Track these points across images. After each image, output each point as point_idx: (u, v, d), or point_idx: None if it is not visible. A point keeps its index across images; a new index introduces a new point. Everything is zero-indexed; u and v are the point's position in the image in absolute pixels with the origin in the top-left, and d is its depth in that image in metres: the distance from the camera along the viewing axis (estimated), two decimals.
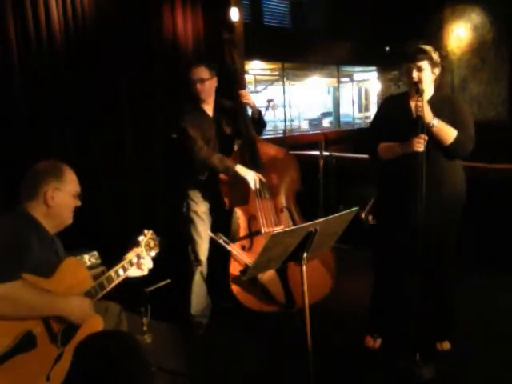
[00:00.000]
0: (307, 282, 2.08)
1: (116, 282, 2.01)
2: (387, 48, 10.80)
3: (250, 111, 3.15)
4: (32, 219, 1.86)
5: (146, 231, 2.17)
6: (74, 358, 1.81)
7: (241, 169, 2.94)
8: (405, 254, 2.62)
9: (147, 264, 2.12)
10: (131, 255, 2.08)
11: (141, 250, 2.12)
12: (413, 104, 2.57)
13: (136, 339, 2.06)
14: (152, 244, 2.18)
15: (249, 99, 3.09)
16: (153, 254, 2.18)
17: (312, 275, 2.33)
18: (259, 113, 3.18)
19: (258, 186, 2.97)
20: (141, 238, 2.14)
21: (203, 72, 3.03)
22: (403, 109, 2.61)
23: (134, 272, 2.09)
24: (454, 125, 2.50)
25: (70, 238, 2.15)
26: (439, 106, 2.53)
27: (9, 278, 1.61)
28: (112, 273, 1.99)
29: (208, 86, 3.06)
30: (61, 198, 1.90)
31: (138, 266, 2.10)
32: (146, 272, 2.12)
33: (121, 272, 2.03)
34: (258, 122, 3.18)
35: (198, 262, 3.13)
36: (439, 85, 2.62)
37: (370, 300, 2.89)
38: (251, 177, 2.93)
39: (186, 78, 3.07)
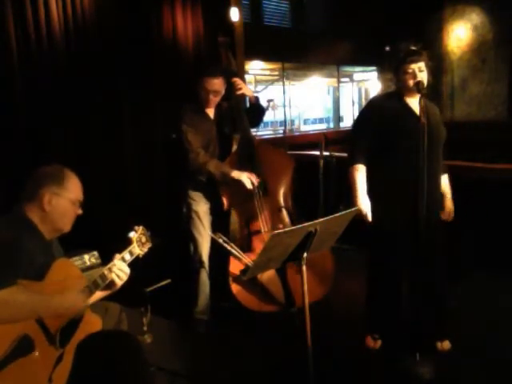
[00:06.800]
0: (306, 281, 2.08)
1: (109, 280, 1.99)
2: (387, 48, 10.80)
3: (247, 102, 3.19)
4: (28, 222, 1.84)
5: (136, 227, 2.15)
6: (74, 359, 1.80)
7: (236, 173, 2.97)
8: (403, 254, 2.62)
9: (123, 271, 2.01)
10: (124, 252, 2.07)
11: (133, 246, 2.10)
12: (411, 105, 2.60)
13: (136, 339, 2.05)
14: (144, 239, 2.16)
15: (242, 89, 3.11)
16: (145, 249, 2.16)
17: (311, 275, 2.33)
18: (256, 98, 3.20)
19: (255, 184, 2.99)
20: (132, 235, 2.11)
21: (220, 85, 3.05)
22: (402, 107, 2.61)
23: (116, 279, 2.02)
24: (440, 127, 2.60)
25: (70, 238, 2.15)
26: (433, 110, 2.60)
27: (4, 284, 1.59)
28: (105, 270, 1.98)
29: (220, 97, 3.08)
30: (59, 203, 1.87)
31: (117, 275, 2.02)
32: (125, 278, 2.02)
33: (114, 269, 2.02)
34: (257, 108, 3.20)
35: (201, 263, 3.14)
36: (437, 85, 2.67)
37: (367, 300, 2.88)
38: (245, 178, 2.96)
39: (194, 80, 3.07)
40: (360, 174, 2.67)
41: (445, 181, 2.80)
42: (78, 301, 1.82)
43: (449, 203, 2.79)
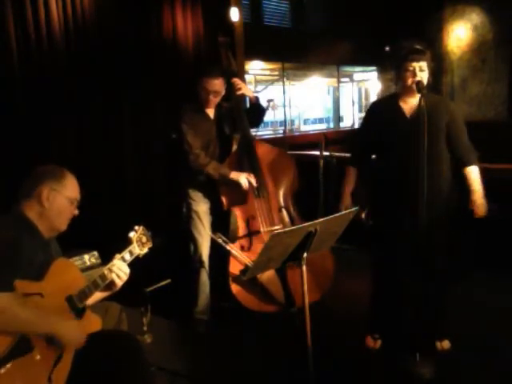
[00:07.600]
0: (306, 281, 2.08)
1: (109, 280, 1.98)
2: (387, 48, 10.81)
3: (247, 102, 3.19)
4: (27, 221, 1.84)
5: (136, 227, 2.14)
6: (75, 359, 1.80)
7: (234, 174, 3.00)
8: (405, 254, 2.62)
9: (123, 271, 2.01)
10: (124, 252, 2.06)
11: (133, 246, 2.08)
12: (404, 105, 2.59)
13: (136, 339, 2.06)
14: (144, 239, 2.14)
15: (242, 89, 3.12)
16: (146, 249, 2.14)
17: (311, 275, 2.32)
18: (256, 98, 3.21)
19: (254, 185, 3.00)
20: (132, 235, 2.10)
21: (220, 85, 3.05)
22: (395, 110, 2.61)
23: (116, 279, 2.01)
24: (450, 128, 2.57)
25: (70, 238, 2.15)
26: (434, 106, 2.53)
27: (3, 286, 1.58)
28: (105, 270, 1.97)
29: (219, 97, 3.08)
30: (56, 199, 1.88)
31: (117, 275, 2.00)
32: (124, 278, 2.02)
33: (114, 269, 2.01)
34: (257, 108, 3.21)
35: (201, 263, 3.14)
36: (437, 85, 2.64)
37: (369, 300, 2.89)
38: (243, 179, 2.99)
39: (194, 80, 3.07)
40: (349, 176, 2.77)
41: (469, 172, 2.63)
42: (75, 331, 1.76)
43: (473, 196, 2.62)
